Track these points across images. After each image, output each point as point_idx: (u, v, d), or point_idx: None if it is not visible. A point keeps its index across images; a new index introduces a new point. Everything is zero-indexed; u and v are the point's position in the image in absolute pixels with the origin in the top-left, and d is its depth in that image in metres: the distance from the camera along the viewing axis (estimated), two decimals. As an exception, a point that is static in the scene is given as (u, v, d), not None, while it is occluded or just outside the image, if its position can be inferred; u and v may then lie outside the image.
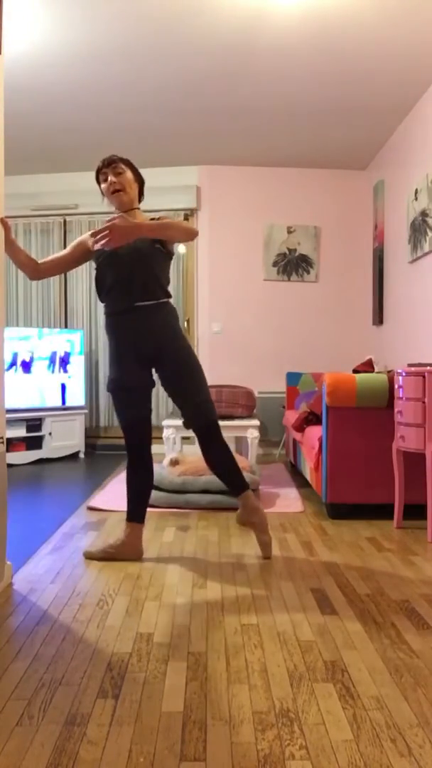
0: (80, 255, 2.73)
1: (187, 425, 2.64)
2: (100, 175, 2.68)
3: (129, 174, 2.67)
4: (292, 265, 5.95)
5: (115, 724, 1.41)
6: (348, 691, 1.55)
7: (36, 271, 2.68)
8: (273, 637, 1.87)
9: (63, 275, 6.13)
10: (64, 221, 6.09)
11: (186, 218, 5.97)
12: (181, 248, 6.04)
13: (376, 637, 1.87)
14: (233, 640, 1.85)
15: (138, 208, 2.71)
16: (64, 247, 6.09)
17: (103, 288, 2.65)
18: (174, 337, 2.61)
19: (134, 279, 2.57)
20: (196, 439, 2.65)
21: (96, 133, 5.10)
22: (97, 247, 2.48)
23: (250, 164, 5.90)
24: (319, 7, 3.35)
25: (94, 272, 2.69)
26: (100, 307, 6.08)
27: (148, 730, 1.38)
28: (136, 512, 2.68)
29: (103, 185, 2.67)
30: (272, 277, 5.95)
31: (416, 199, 4.43)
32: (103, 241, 2.34)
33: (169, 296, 2.66)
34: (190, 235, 2.55)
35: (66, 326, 6.14)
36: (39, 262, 2.69)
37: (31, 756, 1.29)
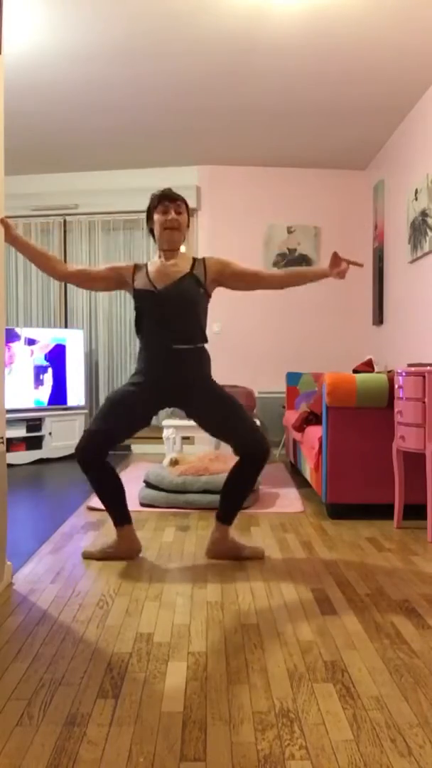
0: (114, 280, 2.68)
1: (238, 452, 2.57)
2: (159, 205, 2.60)
3: (186, 216, 2.64)
4: (292, 265, 5.95)
5: (115, 724, 1.41)
6: (348, 691, 1.55)
7: (62, 273, 2.62)
8: (273, 637, 1.87)
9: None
10: (64, 221, 6.09)
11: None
12: (180, 248, 6.03)
13: (376, 637, 1.87)
14: (233, 640, 1.85)
15: (180, 249, 2.69)
16: (64, 247, 6.13)
17: (142, 325, 2.63)
18: (207, 382, 2.62)
19: (176, 322, 2.57)
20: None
21: (96, 133, 5.10)
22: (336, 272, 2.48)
23: (250, 164, 5.91)
24: (319, 7, 3.35)
25: (133, 309, 2.66)
26: (101, 307, 6.09)
27: (148, 730, 1.38)
28: (120, 516, 2.65)
29: (158, 216, 2.60)
30: (272, 277, 5.95)
31: (416, 199, 4.43)
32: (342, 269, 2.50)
33: (206, 341, 2.65)
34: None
35: (66, 326, 6.14)
36: (67, 267, 2.63)
37: (31, 756, 1.29)
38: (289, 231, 5.94)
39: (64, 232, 6.10)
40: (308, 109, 4.63)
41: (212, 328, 5.96)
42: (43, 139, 5.22)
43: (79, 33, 3.62)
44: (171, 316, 2.57)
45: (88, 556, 2.65)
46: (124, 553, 2.64)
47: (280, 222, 5.96)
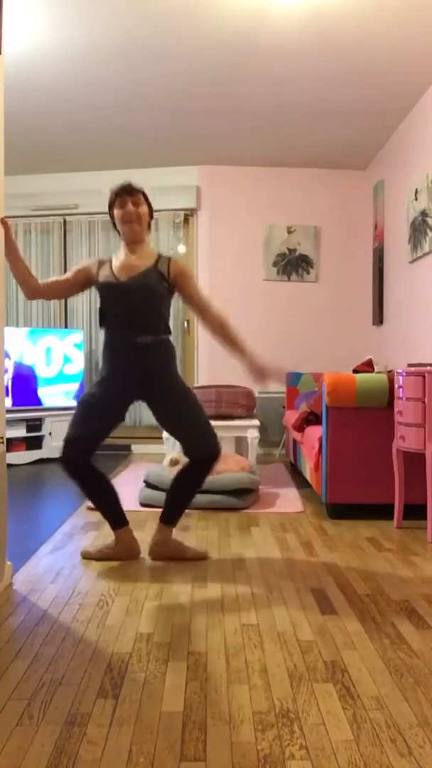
0: (82, 281, 2.70)
1: (188, 454, 2.60)
2: (117, 199, 2.61)
3: (145, 208, 2.64)
4: (292, 265, 5.95)
5: (115, 724, 1.41)
6: (348, 691, 1.55)
7: (34, 291, 2.64)
8: (273, 637, 1.87)
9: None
10: (64, 221, 6.09)
11: (186, 218, 5.98)
12: (180, 248, 6.05)
13: (376, 637, 1.87)
14: (233, 640, 1.85)
15: (144, 241, 2.67)
16: (64, 247, 6.13)
17: (105, 318, 2.64)
18: (171, 376, 2.61)
19: (138, 313, 2.57)
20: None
21: (96, 133, 5.10)
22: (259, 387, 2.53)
23: (250, 164, 5.91)
24: (319, 7, 3.35)
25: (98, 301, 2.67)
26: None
27: (148, 730, 1.38)
28: (116, 519, 2.65)
29: (117, 211, 2.61)
30: (272, 277, 5.96)
31: (416, 199, 4.43)
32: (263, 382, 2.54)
33: (170, 333, 2.66)
34: (228, 321, 2.71)
35: (66, 326, 6.14)
36: (40, 282, 2.65)
37: (31, 756, 1.29)
38: (289, 231, 5.94)
39: (64, 232, 6.10)
40: (308, 109, 4.63)
41: (212, 328, 5.96)
42: (43, 139, 5.22)
43: (79, 33, 3.62)
44: (134, 307, 2.57)
45: (86, 556, 2.65)
46: (122, 555, 2.64)
47: (280, 222, 5.96)
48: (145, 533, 3.06)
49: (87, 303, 6.13)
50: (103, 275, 2.63)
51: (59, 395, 5.55)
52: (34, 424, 5.29)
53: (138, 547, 2.67)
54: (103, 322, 2.66)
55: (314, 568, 2.53)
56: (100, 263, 2.69)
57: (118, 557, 2.64)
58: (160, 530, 2.65)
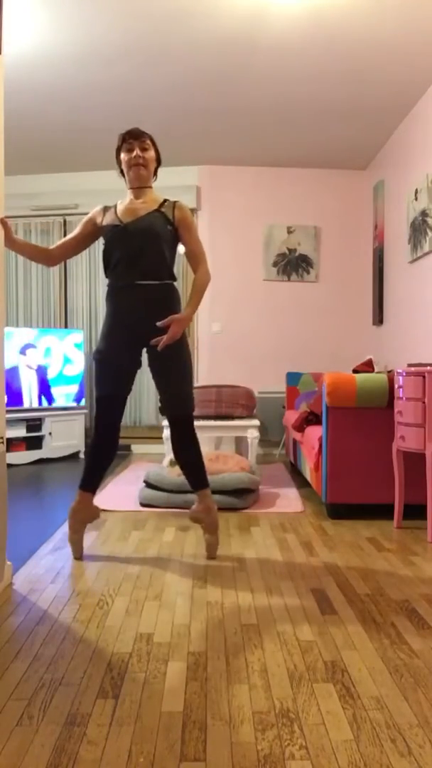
0: (91, 231, 2.71)
1: (162, 412, 2.67)
2: (124, 144, 2.62)
3: (152, 152, 2.64)
4: (292, 265, 5.95)
5: (115, 724, 1.41)
6: (348, 691, 1.55)
7: (50, 258, 2.68)
8: (273, 637, 1.87)
9: (63, 276, 6.13)
10: (64, 221, 6.09)
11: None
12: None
13: (376, 637, 1.87)
14: (233, 640, 1.85)
15: (151, 187, 2.69)
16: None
17: (109, 262, 2.64)
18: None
19: (142, 256, 2.57)
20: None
21: (96, 133, 5.10)
22: (161, 347, 2.50)
23: (250, 164, 5.91)
24: (319, 8, 3.35)
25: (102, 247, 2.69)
26: (101, 307, 6.09)
27: (148, 730, 1.38)
28: (91, 482, 2.68)
29: (124, 155, 2.62)
30: (272, 277, 5.96)
31: (416, 199, 4.43)
32: (165, 341, 2.47)
33: (174, 279, 2.66)
34: (206, 286, 2.66)
35: (66, 326, 6.14)
36: (50, 248, 2.69)
37: (31, 756, 1.29)
38: (289, 231, 5.94)
39: (64, 232, 6.10)
40: (308, 109, 4.63)
41: (212, 327, 5.97)
42: (43, 139, 5.22)
43: (79, 33, 3.62)
44: (137, 250, 2.57)
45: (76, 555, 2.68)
46: (80, 518, 2.67)
47: (280, 222, 5.96)
48: (145, 532, 3.06)
49: (87, 303, 6.13)
50: (108, 220, 2.63)
51: (60, 395, 5.54)
52: (34, 424, 5.29)
53: (97, 508, 2.71)
54: (107, 267, 2.66)
55: (314, 568, 2.53)
56: (105, 209, 2.69)
57: (78, 521, 2.67)
58: (201, 497, 2.68)
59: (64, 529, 3.14)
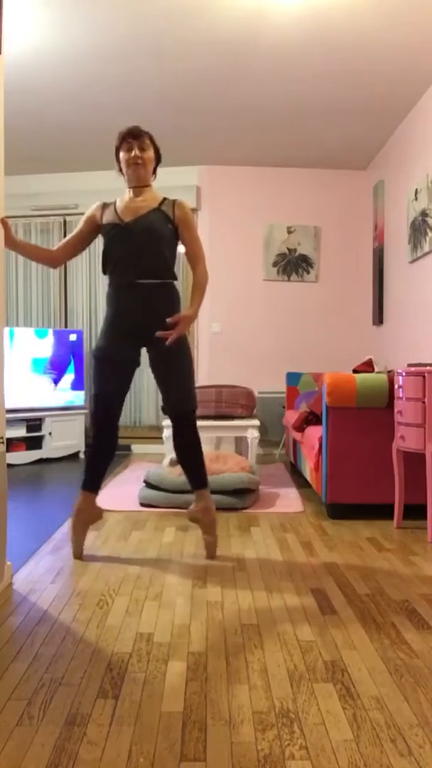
0: (92, 230, 2.71)
1: (165, 411, 2.68)
2: (123, 143, 2.61)
3: (151, 152, 2.64)
4: (292, 265, 5.95)
5: (115, 724, 1.41)
6: (348, 691, 1.55)
7: (53, 259, 2.68)
8: (273, 637, 1.87)
9: (63, 276, 6.13)
10: (64, 221, 6.09)
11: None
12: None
13: (376, 637, 1.87)
14: (233, 640, 1.85)
15: (150, 185, 2.69)
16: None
17: (109, 261, 2.63)
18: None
19: (143, 255, 2.57)
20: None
21: (96, 133, 5.10)
22: (169, 342, 2.50)
23: (250, 164, 5.91)
24: (319, 7, 3.35)
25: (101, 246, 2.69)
26: (101, 307, 6.09)
27: (148, 730, 1.38)
28: (92, 481, 2.68)
29: (123, 154, 2.62)
30: (272, 277, 5.96)
31: (416, 199, 4.43)
32: (174, 337, 2.47)
33: (175, 278, 2.66)
34: (206, 284, 2.66)
35: (66, 326, 6.14)
36: (53, 249, 2.69)
37: (31, 756, 1.29)
38: (289, 231, 5.94)
39: (64, 232, 6.10)
40: (308, 109, 4.63)
41: (212, 328, 5.97)
42: (43, 139, 5.22)
43: (79, 33, 3.61)
44: (137, 249, 2.56)
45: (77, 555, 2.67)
46: (84, 519, 2.68)
47: (280, 222, 5.96)
48: (145, 532, 3.06)
49: (87, 303, 6.13)
50: (107, 217, 2.63)
51: (60, 395, 5.54)
52: (34, 424, 5.29)
53: (100, 509, 2.72)
54: (106, 266, 2.65)
55: (314, 568, 2.53)
56: (104, 206, 2.68)
57: (81, 522, 2.67)
58: (199, 497, 2.68)
59: (64, 529, 3.14)
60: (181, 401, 2.63)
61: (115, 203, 2.68)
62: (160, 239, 2.58)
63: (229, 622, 1.98)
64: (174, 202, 2.65)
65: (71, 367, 5.62)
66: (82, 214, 5.94)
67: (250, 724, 1.40)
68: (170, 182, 5.80)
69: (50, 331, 5.51)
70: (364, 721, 1.41)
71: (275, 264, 5.94)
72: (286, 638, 1.86)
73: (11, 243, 2.51)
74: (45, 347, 5.45)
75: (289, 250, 5.95)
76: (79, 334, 5.68)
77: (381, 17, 3.43)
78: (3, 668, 1.68)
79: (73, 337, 5.64)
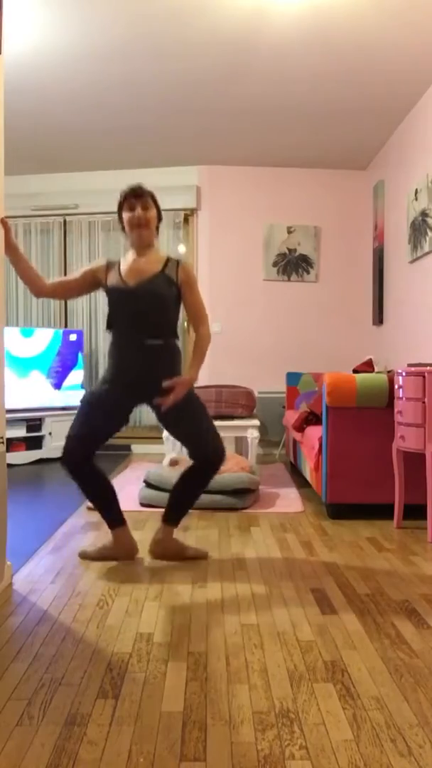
0: (90, 282, 2.68)
1: (192, 458, 2.62)
2: (125, 202, 2.60)
3: (154, 212, 2.61)
4: (292, 265, 5.95)
5: (115, 724, 1.41)
6: (348, 691, 1.55)
7: (40, 289, 2.63)
8: (273, 637, 1.87)
9: (63, 276, 6.13)
10: (64, 221, 6.09)
11: (186, 218, 5.98)
12: (180, 248, 6.05)
13: (376, 637, 1.87)
14: (233, 640, 1.85)
15: (153, 245, 2.67)
16: (64, 247, 6.13)
17: (114, 322, 2.62)
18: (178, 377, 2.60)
19: (147, 318, 2.56)
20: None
21: (96, 133, 5.10)
22: (165, 408, 2.49)
23: (250, 164, 5.90)
24: (319, 8, 3.35)
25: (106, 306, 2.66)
26: (101, 307, 6.09)
27: (148, 730, 1.38)
28: (114, 519, 2.65)
29: (126, 214, 2.60)
30: (272, 277, 5.96)
31: (416, 199, 4.43)
32: (170, 401, 2.46)
33: (177, 337, 2.65)
34: (207, 347, 2.64)
35: (66, 326, 6.14)
36: (47, 282, 2.64)
37: (31, 756, 1.29)
38: (289, 231, 5.94)
39: (64, 232, 6.10)
40: (308, 109, 4.63)
41: (212, 328, 5.96)
42: (43, 139, 5.21)
43: (79, 33, 3.61)
44: (142, 313, 2.56)
45: (84, 557, 2.65)
46: (120, 554, 2.64)
47: (279, 222, 5.96)
48: (145, 532, 3.06)
49: (87, 303, 6.13)
50: (112, 279, 2.62)
51: (60, 396, 5.54)
52: (34, 424, 5.29)
53: (136, 546, 2.67)
54: (111, 325, 2.64)
55: (314, 568, 2.53)
56: (109, 266, 2.67)
57: (116, 557, 2.64)
58: (161, 529, 2.65)
59: (64, 529, 3.14)
60: (210, 446, 2.57)
61: (119, 263, 2.66)
62: (165, 302, 2.57)
63: (229, 622, 1.98)
64: (178, 263, 2.63)
65: (71, 367, 5.61)
66: (82, 214, 5.99)
67: (250, 724, 1.40)
68: (170, 182, 5.81)
69: (50, 331, 5.51)
70: (364, 721, 1.41)
71: (275, 264, 5.94)
72: (286, 638, 1.86)
73: (12, 251, 2.48)
74: (45, 347, 5.44)
75: (289, 250, 5.95)
76: (80, 334, 5.68)
77: (381, 17, 3.43)
78: (3, 668, 1.68)
79: (73, 337, 5.64)
